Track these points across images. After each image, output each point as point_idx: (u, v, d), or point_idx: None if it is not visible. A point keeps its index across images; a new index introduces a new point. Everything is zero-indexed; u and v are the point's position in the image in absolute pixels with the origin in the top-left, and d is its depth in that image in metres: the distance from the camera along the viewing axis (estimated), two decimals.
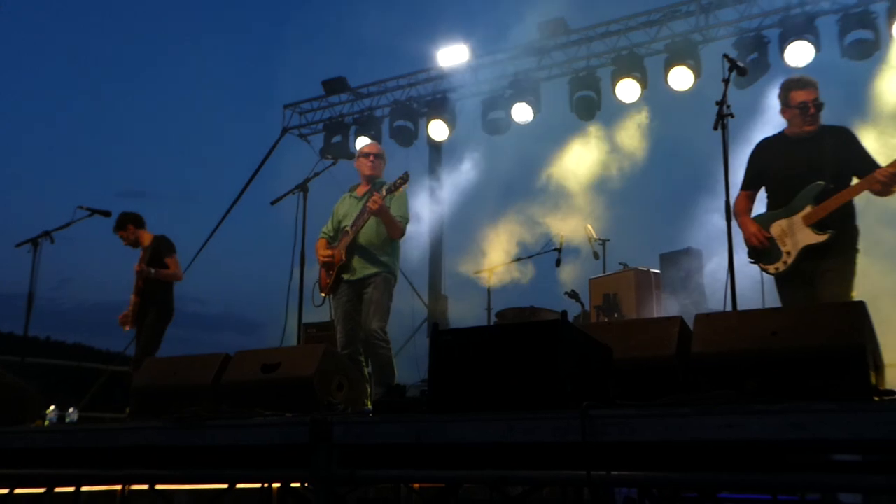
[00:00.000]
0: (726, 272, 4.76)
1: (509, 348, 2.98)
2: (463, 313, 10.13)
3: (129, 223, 7.15)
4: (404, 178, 5.43)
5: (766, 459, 2.66)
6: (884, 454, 2.46)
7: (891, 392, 2.91)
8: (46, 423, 5.46)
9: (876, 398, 2.83)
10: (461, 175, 11.44)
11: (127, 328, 7.04)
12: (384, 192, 5.37)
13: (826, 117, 4.82)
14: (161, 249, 7.00)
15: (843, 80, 8.13)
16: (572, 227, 8.85)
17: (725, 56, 4.78)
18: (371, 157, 5.84)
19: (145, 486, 4.35)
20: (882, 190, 4.48)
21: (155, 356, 6.80)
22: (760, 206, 5.02)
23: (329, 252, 5.58)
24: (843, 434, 2.45)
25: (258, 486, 4.66)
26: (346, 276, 5.51)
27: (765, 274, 4.95)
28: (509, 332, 3.14)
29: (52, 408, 5.82)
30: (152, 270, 6.82)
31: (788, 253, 4.70)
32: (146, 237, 7.15)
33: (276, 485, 4.54)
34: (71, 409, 6.96)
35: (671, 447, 2.69)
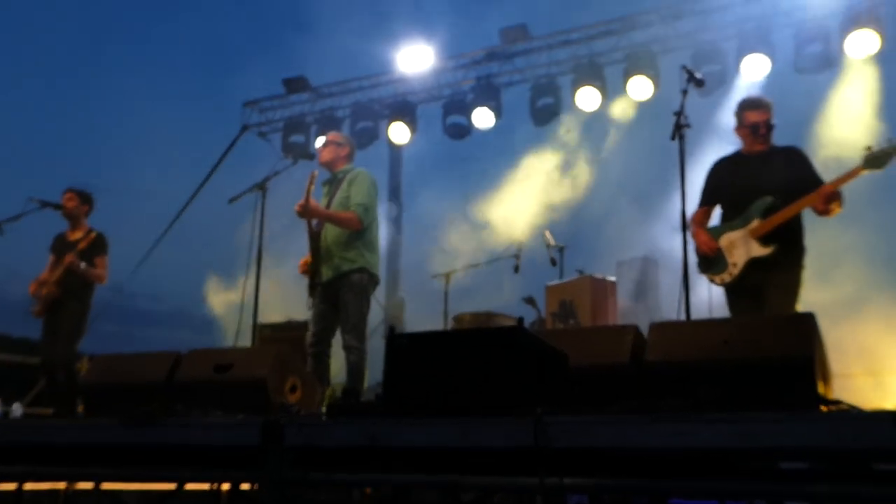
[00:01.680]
0: (681, 281, 4.85)
1: (465, 353, 2.98)
2: (419, 316, 10.11)
3: (84, 198, 6.89)
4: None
5: (716, 467, 2.70)
6: (829, 463, 2.50)
7: (837, 402, 2.97)
8: None
9: (823, 408, 2.89)
10: (421, 178, 11.45)
11: (37, 313, 6.70)
12: (330, 195, 5.30)
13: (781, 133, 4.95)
14: (96, 247, 6.74)
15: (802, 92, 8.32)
16: (530, 233, 8.92)
17: (684, 67, 4.87)
18: (326, 146, 5.66)
19: (90, 486, 4.26)
20: (822, 209, 4.62)
21: (79, 352, 6.61)
22: (716, 221, 5.13)
23: (304, 260, 5.46)
24: (791, 442, 2.50)
25: (207, 487, 4.59)
26: (317, 280, 5.38)
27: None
28: (466, 337, 3.15)
29: None
30: (83, 265, 6.58)
31: (735, 264, 4.81)
32: (84, 225, 6.88)
33: (225, 486, 4.48)
34: (15, 405, 6.79)
35: (623, 454, 2.72)
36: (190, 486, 3.86)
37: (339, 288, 5.31)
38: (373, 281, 5.45)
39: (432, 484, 3.22)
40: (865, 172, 4.55)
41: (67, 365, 6.50)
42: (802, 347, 2.95)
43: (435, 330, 3.30)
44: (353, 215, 5.35)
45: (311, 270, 5.36)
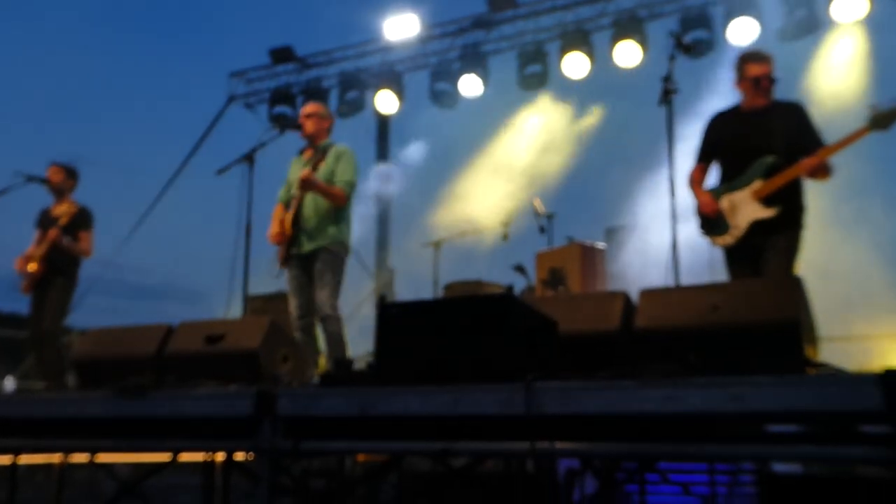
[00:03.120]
0: (669, 247, 4.86)
1: (455, 322, 2.99)
2: (409, 286, 10.13)
3: (70, 172, 6.84)
4: (335, 152, 5.37)
5: (705, 430, 2.73)
6: (816, 425, 2.54)
7: (823, 365, 3.00)
8: None
9: (810, 371, 2.92)
10: (408, 147, 11.41)
11: (25, 289, 6.68)
12: (316, 165, 5.29)
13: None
14: (80, 221, 6.70)
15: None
16: (519, 200, 8.92)
17: (671, 33, 4.83)
18: (309, 117, 5.66)
19: (85, 459, 4.28)
20: (815, 173, 4.55)
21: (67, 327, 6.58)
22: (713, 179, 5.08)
23: (277, 229, 5.47)
24: (779, 405, 2.53)
25: (201, 458, 4.62)
26: (293, 251, 5.40)
27: (711, 248, 5.01)
28: (456, 305, 3.16)
29: None
30: (67, 239, 6.54)
31: (737, 227, 4.74)
32: (69, 200, 6.83)
33: (219, 456, 4.51)
34: (7, 378, 6.80)
35: (613, 419, 2.75)
36: (184, 458, 3.88)
37: (317, 260, 5.35)
38: (347, 253, 5.56)
39: (424, 450, 3.24)
40: (868, 133, 4.35)
41: (55, 339, 6.50)
42: (789, 311, 2.97)
43: (425, 299, 3.30)
44: (342, 191, 5.45)
45: (288, 241, 5.38)
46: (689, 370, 2.95)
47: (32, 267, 6.53)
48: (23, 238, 6.87)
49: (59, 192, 6.82)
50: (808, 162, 4.55)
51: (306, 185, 5.29)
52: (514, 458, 3.73)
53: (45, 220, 6.76)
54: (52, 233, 6.50)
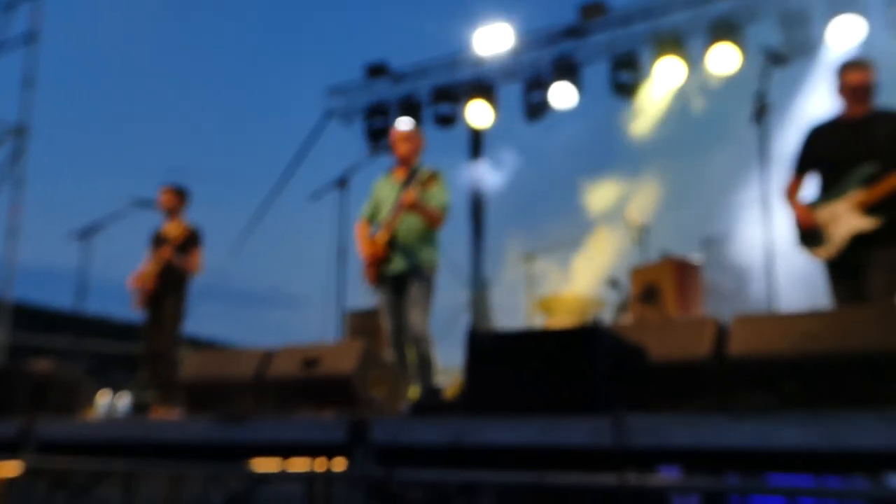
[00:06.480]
0: (765, 264, 4.73)
1: (544, 352, 3.01)
2: (503, 299, 10.14)
3: (181, 194, 7.14)
4: (433, 176, 5.38)
5: (801, 466, 2.67)
6: None
7: None
8: (96, 410, 5.61)
9: None
10: (503, 160, 11.40)
11: (138, 306, 7.01)
12: (417, 186, 5.34)
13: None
14: (191, 241, 6.98)
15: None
16: (612, 211, 8.84)
17: (765, 49, 4.71)
18: (403, 139, 5.71)
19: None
20: None
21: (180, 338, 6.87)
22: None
23: (370, 249, 5.56)
24: (881, 444, 2.44)
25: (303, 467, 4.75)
26: (386, 272, 5.49)
27: (812, 264, 4.86)
28: (544, 336, 3.17)
29: (103, 393, 5.94)
30: (178, 257, 6.81)
31: (836, 239, 4.57)
32: (180, 219, 7.12)
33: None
34: (123, 394, 7.15)
35: (703, 453, 2.71)
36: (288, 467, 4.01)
37: (409, 280, 5.43)
38: (436, 273, 5.62)
39: (515, 482, 3.26)
40: None
41: (168, 355, 6.81)
42: (891, 341, 2.87)
43: (514, 329, 3.31)
44: (440, 214, 5.53)
45: (381, 261, 5.47)
46: (784, 401, 2.89)
47: (146, 284, 6.87)
48: (135, 254, 7.25)
49: (171, 213, 7.15)
50: None
51: (412, 207, 5.37)
52: (603, 491, 3.72)
53: (157, 240, 7.10)
54: (165, 251, 6.83)
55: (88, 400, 5.30)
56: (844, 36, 8.17)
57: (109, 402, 6.48)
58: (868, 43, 8.08)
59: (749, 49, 8.74)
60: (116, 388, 7.51)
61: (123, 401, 6.85)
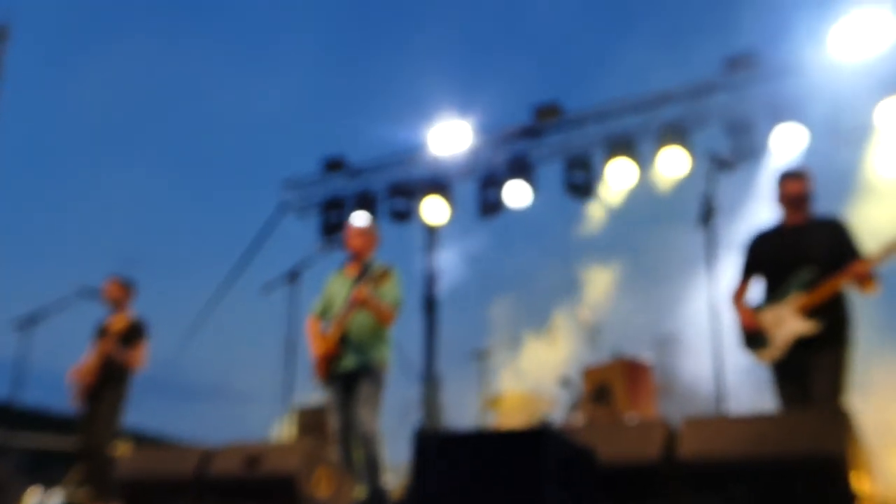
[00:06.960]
0: (714, 364, 4.77)
1: (491, 455, 2.96)
2: (456, 394, 10.04)
3: (127, 286, 7.01)
4: (387, 273, 5.32)
5: None
6: None
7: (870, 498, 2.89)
8: None
9: None
10: (457, 256, 11.45)
11: (75, 401, 6.73)
12: (370, 283, 5.29)
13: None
14: (135, 333, 6.81)
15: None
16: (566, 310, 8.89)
17: (711, 155, 4.88)
18: (357, 234, 5.68)
19: None
20: (859, 283, 4.50)
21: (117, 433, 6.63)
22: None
23: (322, 345, 5.45)
24: None
25: None
26: (338, 369, 5.37)
27: (754, 367, 4.94)
28: (491, 439, 3.13)
29: (32, 490, 5.66)
30: (119, 351, 6.61)
31: (779, 342, 4.67)
32: (125, 312, 6.96)
33: None
34: (54, 492, 6.83)
35: None
36: None
37: (359, 378, 5.30)
38: (387, 370, 5.50)
39: None
40: None
41: (103, 451, 6.54)
42: (833, 445, 2.89)
43: (461, 430, 3.26)
44: (392, 312, 5.44)
45: (331, 358, 5.36)
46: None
47: (85, 378, 6.64)
48: (80, 344, 7.06)
49: (116, 305, 6.99)
50: (847, 270, 4.50)
51: (364, 304, 5.30)
52: None
53: (102, 332, 6.92)
54: (106, 344, 6.63)
55: (15, 499, 5.04)
56: (787, 143, 8.48)
57: (39, 501, 6.17)
58: (810, 150, 8.39)
59: (697, 153, 9.00)
60: (50, 486, 7.19)
61: (55, 499, 6.52)
